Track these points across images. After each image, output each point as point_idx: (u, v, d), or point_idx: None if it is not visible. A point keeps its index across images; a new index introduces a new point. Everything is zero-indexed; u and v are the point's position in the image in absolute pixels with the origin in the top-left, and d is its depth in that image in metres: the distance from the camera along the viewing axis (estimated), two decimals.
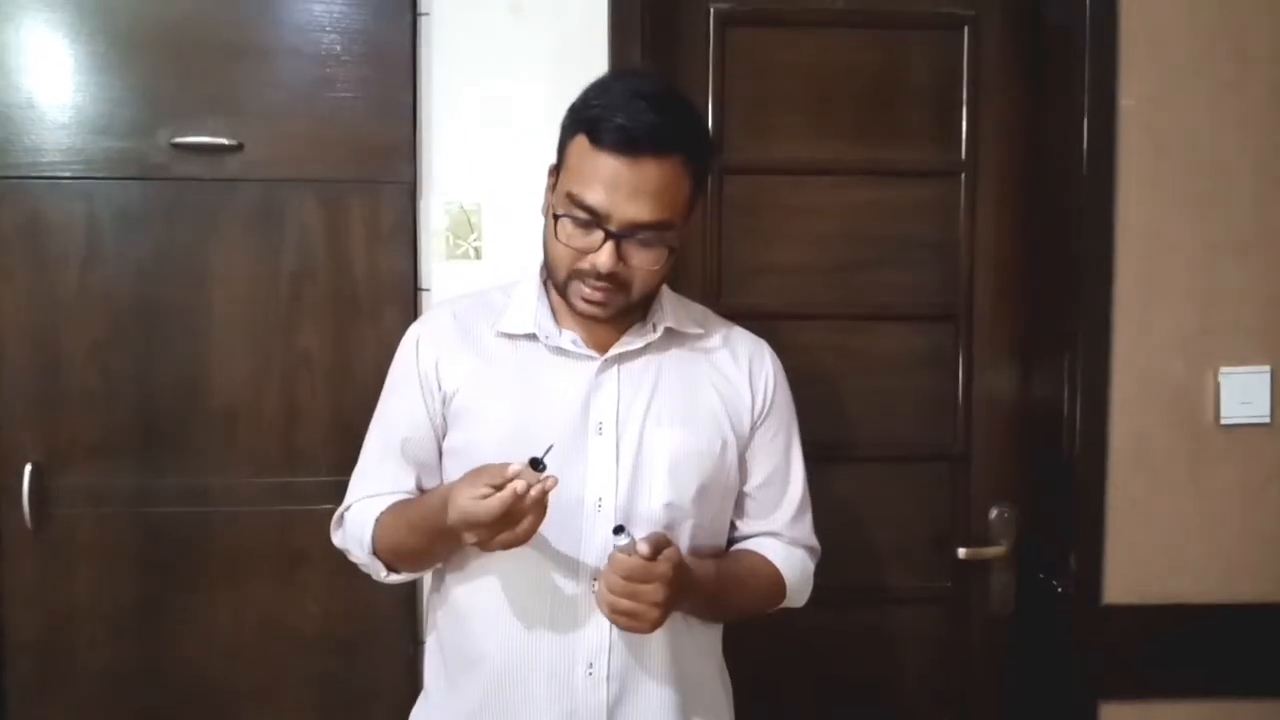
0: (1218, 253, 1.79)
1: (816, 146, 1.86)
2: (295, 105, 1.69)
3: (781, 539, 1.40)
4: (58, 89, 1.67)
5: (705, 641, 1.36)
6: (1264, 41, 1.78)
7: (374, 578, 1.33)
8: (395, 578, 1.32)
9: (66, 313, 1.68)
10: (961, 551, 1.87)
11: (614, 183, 1.18)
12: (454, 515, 1.12)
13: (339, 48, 1.69)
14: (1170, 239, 1.78)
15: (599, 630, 1.25)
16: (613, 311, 1.25)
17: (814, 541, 1.44)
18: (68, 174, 1.67)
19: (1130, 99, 1.76)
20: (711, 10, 1.81)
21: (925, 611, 1.91)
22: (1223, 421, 1.79)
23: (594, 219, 1.19)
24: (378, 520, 1.29)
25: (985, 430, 1.90)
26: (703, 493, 1.30)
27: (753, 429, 1.36)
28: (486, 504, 1.09)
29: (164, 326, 1.70)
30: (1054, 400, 1.82)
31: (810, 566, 1.43)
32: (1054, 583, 1.82)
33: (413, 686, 1.72)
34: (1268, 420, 1.80)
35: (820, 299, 1.87)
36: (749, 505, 1.39)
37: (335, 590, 1.72)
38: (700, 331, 1.36)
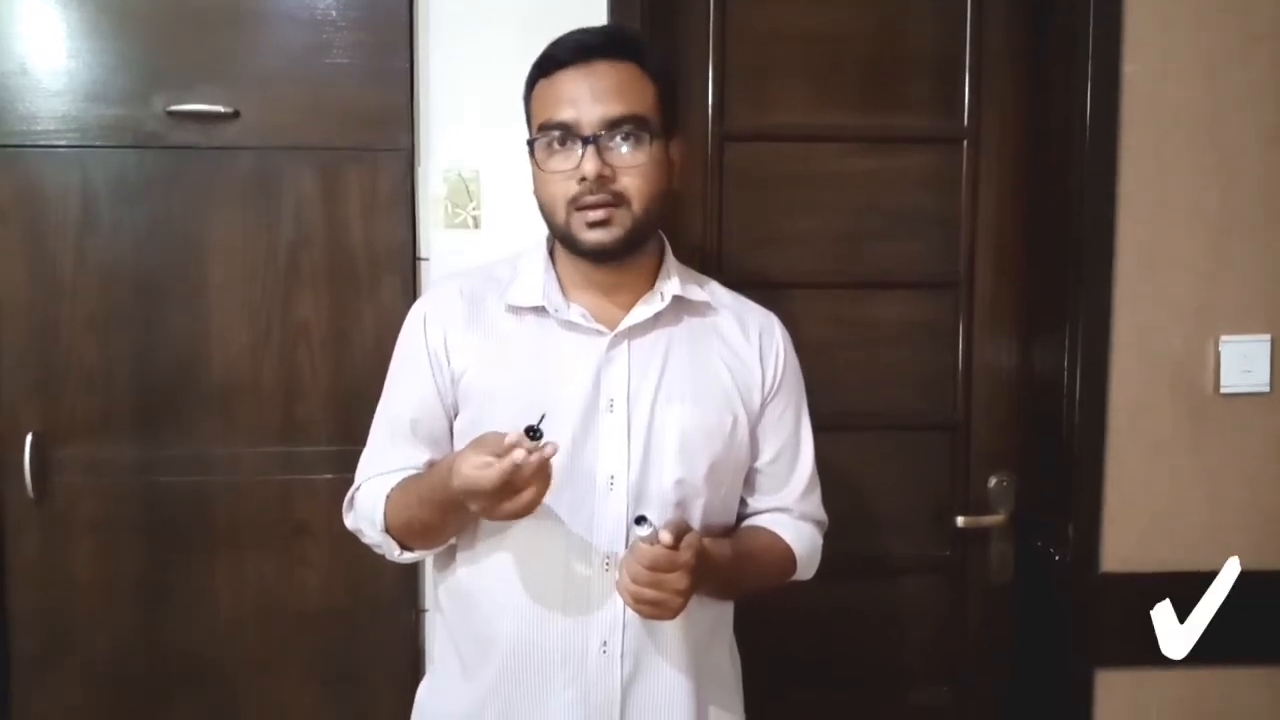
0: (1219, 221, 1.78)
1: (818, 115, 1.84)
2: (291, 72, 1.67)
3: (791, 514, 1.39)
4: (52, 56, 1.65)
5: (717, 618, 1.36)
6: (1270, 11, 1.76)
7: (388, 557, 1.31)
8: (409, 556, 1.29)
9: (63, 281, 1.67)
10: (960, 520, 1.88)
11: (576, 92, 1.20)
12: (457, 483, 1.11)
13: (335, 13, 1.67)
14: (1172, 208, 1.78)
15: (613, 608, 1.24)
16: (620, 234, 1.22)
17: (822, 515, 1.44)
18: (62, 142, 1.66)
19: (1134, 65, 1.75)
20: None
21: (924, 580, 1.92)
22: (1222, 390, 1.79)
23: (568, 133, 1.20)
24: (388, 497, 1.27)
25: (985, 399, 1.90)
26: (713, 470, 1.29)
27: (763, 405, 1.35)
28: (487, 474, 1.08)
29: (161, 295, 1.69)
30: (1054, 369, 1.82)
31: (819, 540, 1.43)
32: (1052, 551, 1.83)
33: (414, 654, 1.74)
34: (1267, 389, 1.80)
35: (821, 268, 1.86)
36: (759, 481, 1.38)
37: (336, 559, 1.72)
38: (708, 299, 1.34)
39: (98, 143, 1.66)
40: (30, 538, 1.69)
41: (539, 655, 1.25)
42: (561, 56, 1.22)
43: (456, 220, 1.72)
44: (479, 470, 1.09)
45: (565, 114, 1.20)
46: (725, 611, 1.39)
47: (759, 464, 1.37)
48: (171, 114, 1.66)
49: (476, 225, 1.72)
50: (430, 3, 1.69)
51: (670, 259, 1.34)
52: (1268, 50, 1.76)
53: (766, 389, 1.35)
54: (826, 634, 1.89)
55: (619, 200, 1.21)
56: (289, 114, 1.68)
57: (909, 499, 1.90)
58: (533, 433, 1.09)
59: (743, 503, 1.39)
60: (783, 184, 1.84)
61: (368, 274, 1.71)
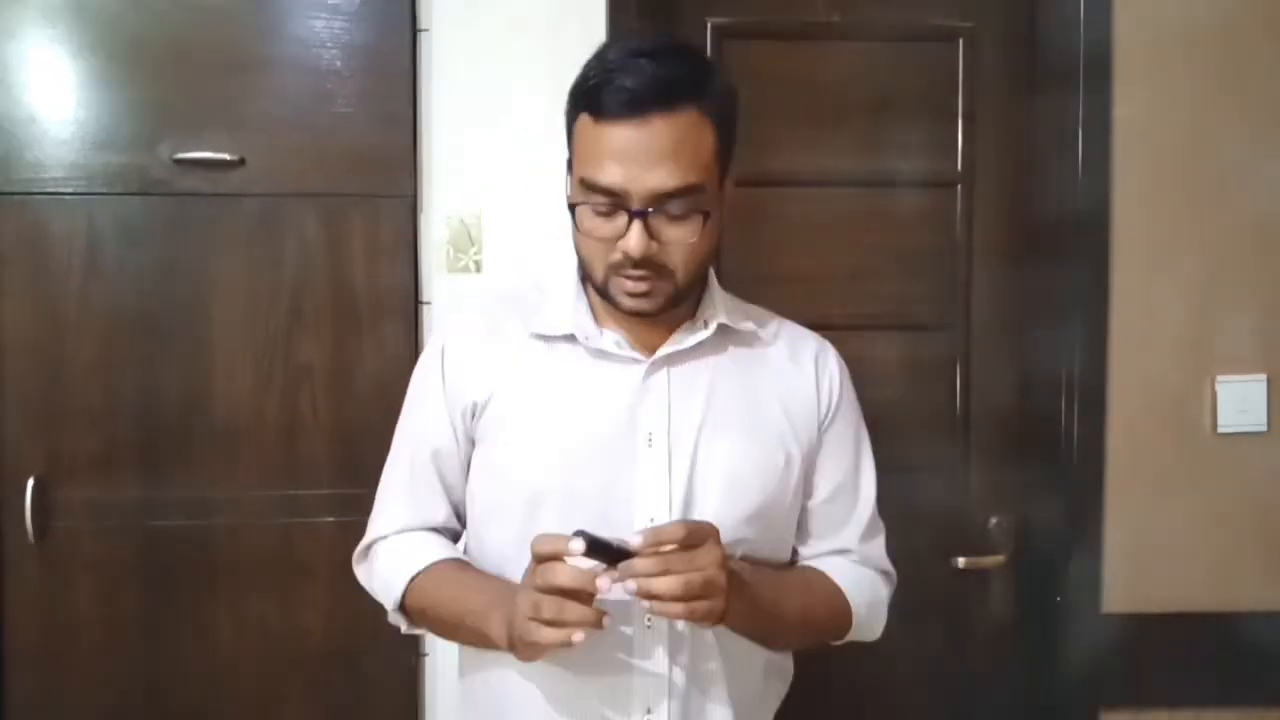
0: (1214, 262, 1.80)
1: (814, 158, 1.86)
2: (296, 120, 1.70)
3: (849, 557, 1.25)
4: (59, 104, 1.68)
5: (764, 712, 1.26)
6: (1262, 51, 1.79)
7: (391, 622, 1.23)
8: (414, 632, 1.23)
9: (68, 327, 1.69)
10: (960, 561, 1.88)
11: (626, 154, 1.05)
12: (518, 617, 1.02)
13: (339, 63, 1.70)
14: (1167, 248, 1.79)
15: (657, 669, 1.11)
16: (661, 301, 1.11)
17: (888, 565, 1.29)
18: (69, 189, 1.68)
19: (1125, 108, 1.77)
20: (709, 24, 1.82)
21: (925, 621, 1.91)
22: (1220, 430, 1.80)
23: (614, 201, 1.06)
24: (413, 583, 1.17)
25: (984, 439, 1.90)
26: (762, 512, 1.16)
27: (821, 430, 1.22)
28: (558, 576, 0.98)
29: (165, 341, 1.70)
30: (1052, 409, 1.83)
31: (883, 593, 1.27)
32: (1053, 592, 1.83)
33: (413, 699, 1.73)
34: (1264, 429, 1.81)
35: (818, 309, 1.85)
36: (813, 524, 1.24)
37: (337, 603, 1.71)
38: (756, 328, 1.22)
39: (104, 190, 1.68)
40: (30, 579, 1.69)
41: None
42: (610, 105, 1.05)
43: (459, 265, 1.73)
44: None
45: (612, 178, 1.05)
46: (775, 697, 1.27)
47: (813, 503, 1.23)
48: (178, 161, 1.68)
49: (479, 269, 1.73)
50: (432, 51, 1.72)
51: (715, 286, 1.22)
52: (1262, 88, 1.79)
53: (823, 414, 1.23)
54: (825, 672, 1.88)
55: (661, 273, 1.09)
56: (293, 161, 1.70)
57: (908, 539, 1.88)
58: (595, 545, 0.97)
59: (795, 554, 1.26)
60: (780, 226, 1.86)
61: (370, 318, 1.72)
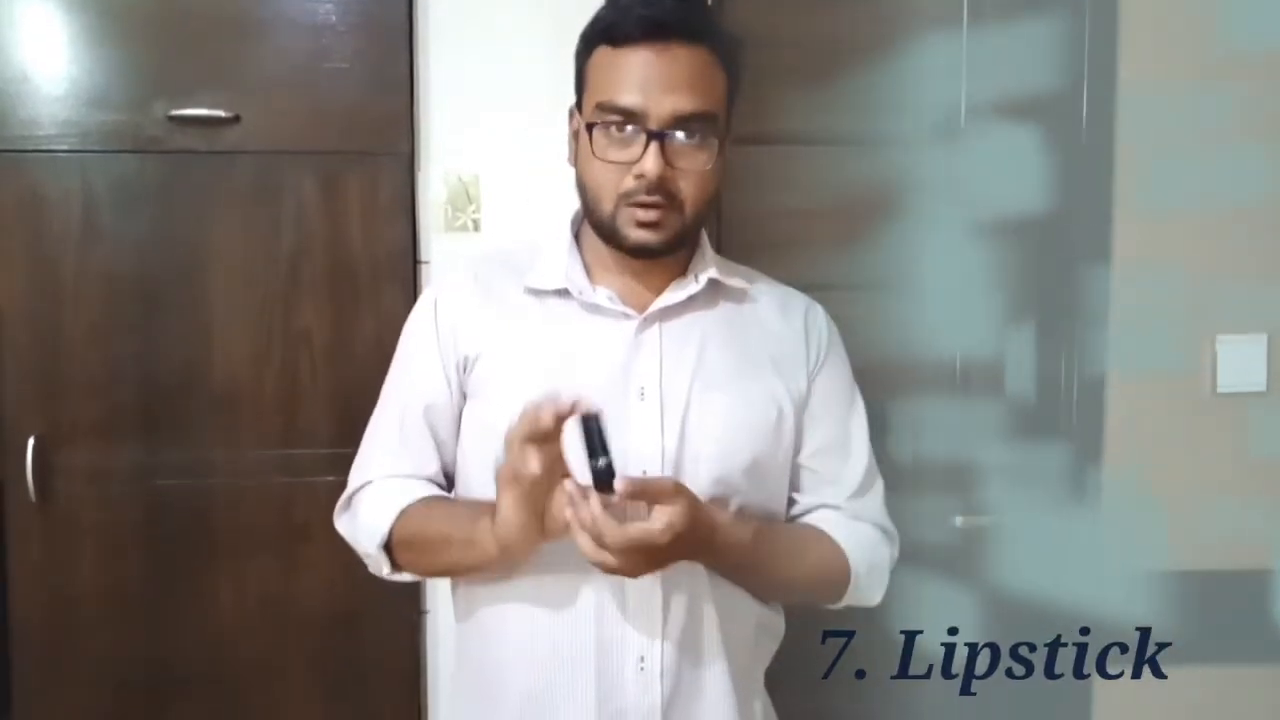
0: (1215, 221, 1.79)
1: (814, 117, 1.85)
2: (292, 77, 1.68)
3: (843, 512, 1.23)
4: (53, 62, 1.66)
5: (756, 669, 1.25)
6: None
7: (374, 572, 1.21)
8: (398, 577, 1.20)
9: (64, 285, 1.68)
10: (959, 520, 1.88)
11: (646, 77, 1.07)
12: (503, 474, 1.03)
13: (335, 18, 1.68)
14: (1168, 207, 1.78)
15: (651, 621, 1.12)
16: (668, 236, 1.11)
17: (886, 520, 1.26)
18: (64, 147, 1.67)
19: (1129, 70, 1.76)
20: None
21: (923, 580, 1.92)
22: (1219, 390, 1.80)
23: (631, 122, 1.08)
24: (401, 516, 1.16)
25: (982, 400, 1.90)
26: (755, 466, 1.16)
27: (810, 381, 1.22)
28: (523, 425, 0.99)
29: (163, 299, 1.70)
30: (1051, 367, 1.83)
31: (884, 551, 1.24)
32: (1051, 551, 1.83)
33: (415, 657, 1.75)
34: (1264, 388, 1.81)
35: (818, 271, 1.86)
36: (803, 478, 1.23)
37: (338, 561, 1.71)
38: (746, 286, 1.23)
39: (99, 148, 1.67)
40: (33, 541, 1.70)
41: (569, 674, 1.12)
42: (632, 31, 1.08)
43: (457, 223, 1.72)
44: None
45: (631, 99, 1.07)
46: (762, 663, 1.27)
47: (803, 457, 1.23)
48: (172, 119, 1.66)
49: (477, 228, 1.72)
50: (429, 8, 1.70)
51: (706, 244, 1.23)
52: (1264, 44, 1.77)
53: (812, 367, 1.23)
54: (820, 633, 1.90)
55: (672, 202, 1.10)
56: (289, 119, 1.69)
57: (907, 498, 1.90)
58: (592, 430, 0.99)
59: (792, 503, 1.25)
60: (779, 186, 1.85)
61: (368, 277, 1.72)
